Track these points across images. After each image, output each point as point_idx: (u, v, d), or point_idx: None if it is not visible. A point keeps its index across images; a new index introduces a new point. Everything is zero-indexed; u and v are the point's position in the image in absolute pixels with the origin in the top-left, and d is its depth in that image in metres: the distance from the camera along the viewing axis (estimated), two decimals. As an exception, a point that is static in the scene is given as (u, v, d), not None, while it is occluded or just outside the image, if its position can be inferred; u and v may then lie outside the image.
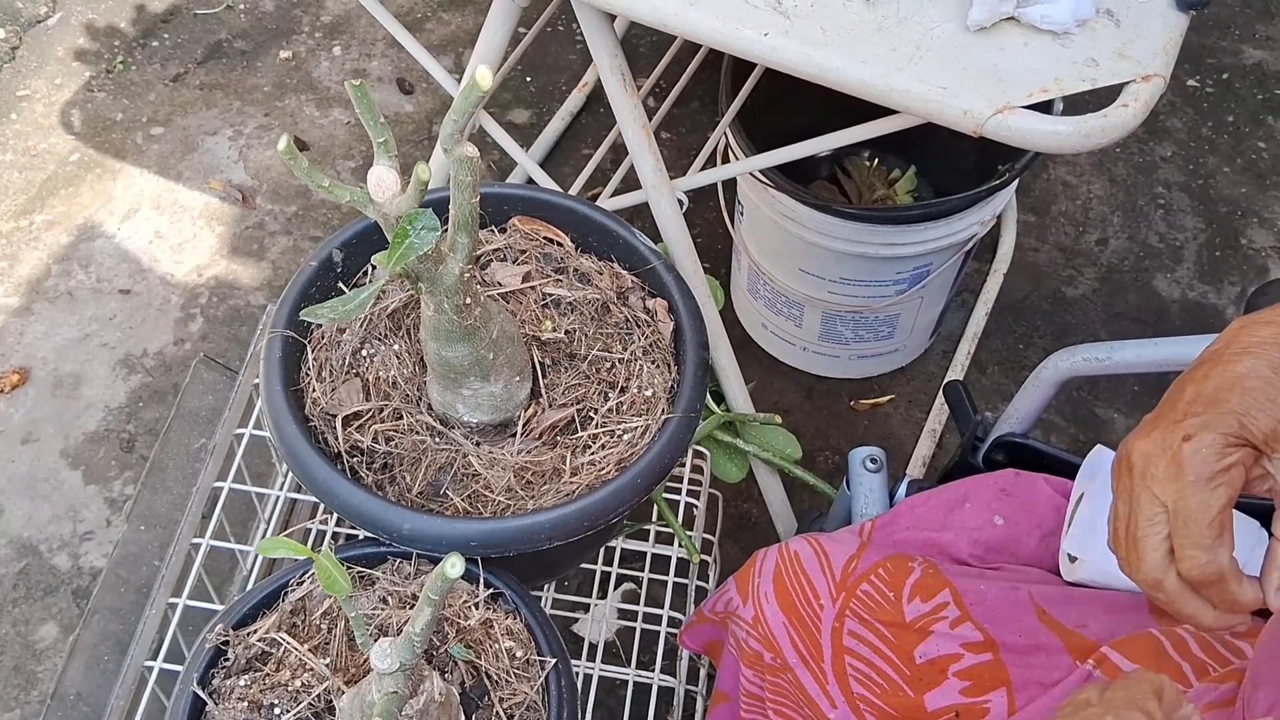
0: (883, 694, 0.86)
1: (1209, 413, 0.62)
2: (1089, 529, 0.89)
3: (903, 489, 1.02)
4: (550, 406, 1.00)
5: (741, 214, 1.63)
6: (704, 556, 1.32)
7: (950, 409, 1.05)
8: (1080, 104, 0.95)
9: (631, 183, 1.18)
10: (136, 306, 1.79)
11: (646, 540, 1.40)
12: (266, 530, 1.26)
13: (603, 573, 1.33)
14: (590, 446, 0.97)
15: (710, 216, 1.89)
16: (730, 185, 1.72)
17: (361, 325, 1.00)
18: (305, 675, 0.84)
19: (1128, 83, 0.87)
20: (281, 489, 1.24)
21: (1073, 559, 0.90)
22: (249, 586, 1.21)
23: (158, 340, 1.76)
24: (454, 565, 0.69)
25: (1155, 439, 0.63)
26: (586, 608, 1.42)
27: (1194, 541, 0.61)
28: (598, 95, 2.03)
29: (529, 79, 2.09)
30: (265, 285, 1.82)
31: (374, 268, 1.05)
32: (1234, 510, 0.64)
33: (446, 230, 0.84)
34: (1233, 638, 0.84)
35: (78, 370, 1.73)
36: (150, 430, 1.67)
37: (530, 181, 1.22)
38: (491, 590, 0.90)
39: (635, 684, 1.23)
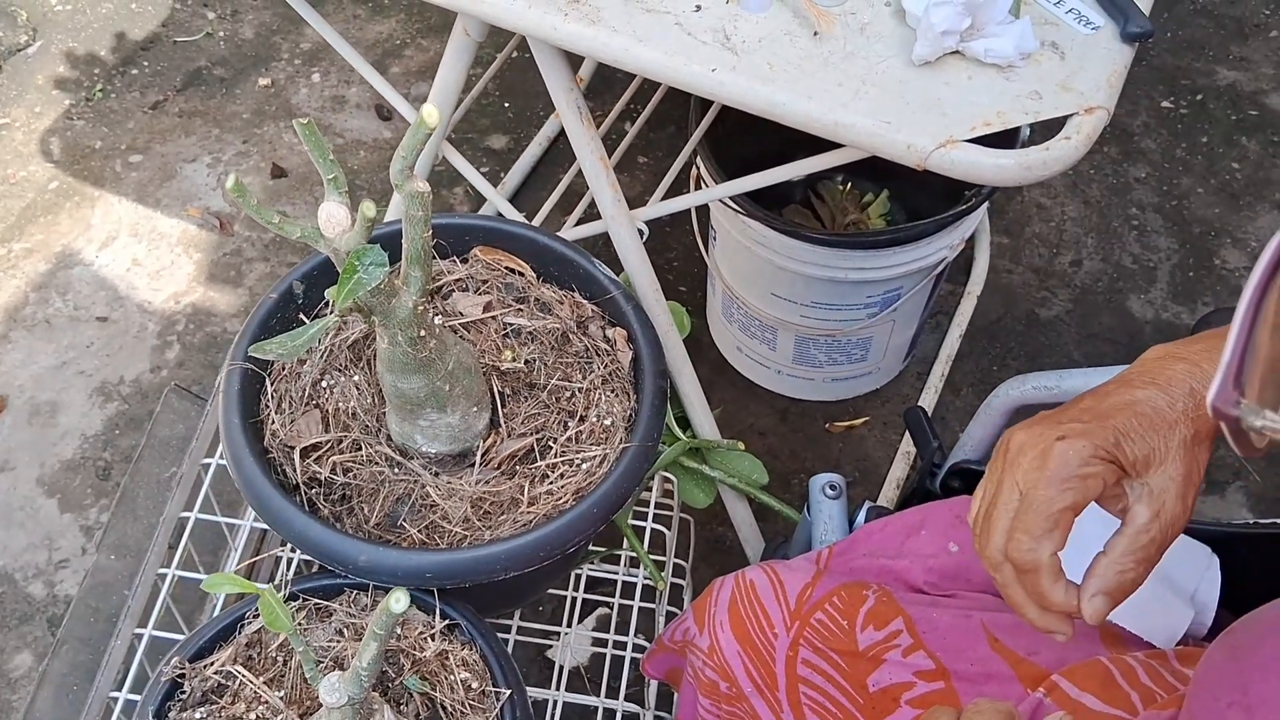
0: (836, 722, 0.86)
1: (1092, 424, 0.65)
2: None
3: (862, 515, 1.03)
4: (509, 436, 1.01)
5: (714, 239, 1.64)
6: (676, 580, 1.32)
7: (910, 434, 1.06)
8: (1055, 128, 0.95)
9: (598, 211, 1.19)
10: (114, 334, 1.80)
11: (618, 565, 1.41)
12: (237, 559, 1.26)
13: (573, 599, 1.33)
14: (549, 476, 0.98)
15: (686, 241, 1.90)
16: (704, 209, 1.73)
17: (321, 356, 1.01)
18: (260, 708, 0.84)
19: (1070, 115, 0.88)
20: (250, 519, 1.24)
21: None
22: (215, 614, 1.21)
23: (134, 368, 1.76)
24: (398, 601, 0.69)
25: (1034, 432, 0.66)
26: (560, 634, 1.42)
27: (1025, 527, 0.64)
28: (575, 120, 2.04)
29: (507, 104, 2.10)
30: (242, 312, 1.83)
31: (330, 302, 1.06)
32: (1183, 535, 0.66)
33: (399, 265, 0.85)
34: (1181, 665, 0.84)
35: (54, 398, 1.74)
36: (126, 458, 1.68)
37: (499, 215, 1.23)
38: (448, 621, 0.91)
39: (604, 710, 1.23)
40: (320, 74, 2.12)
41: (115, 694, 1.08)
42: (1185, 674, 0.83)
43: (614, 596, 1.32)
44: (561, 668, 1.29)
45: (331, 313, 0.85)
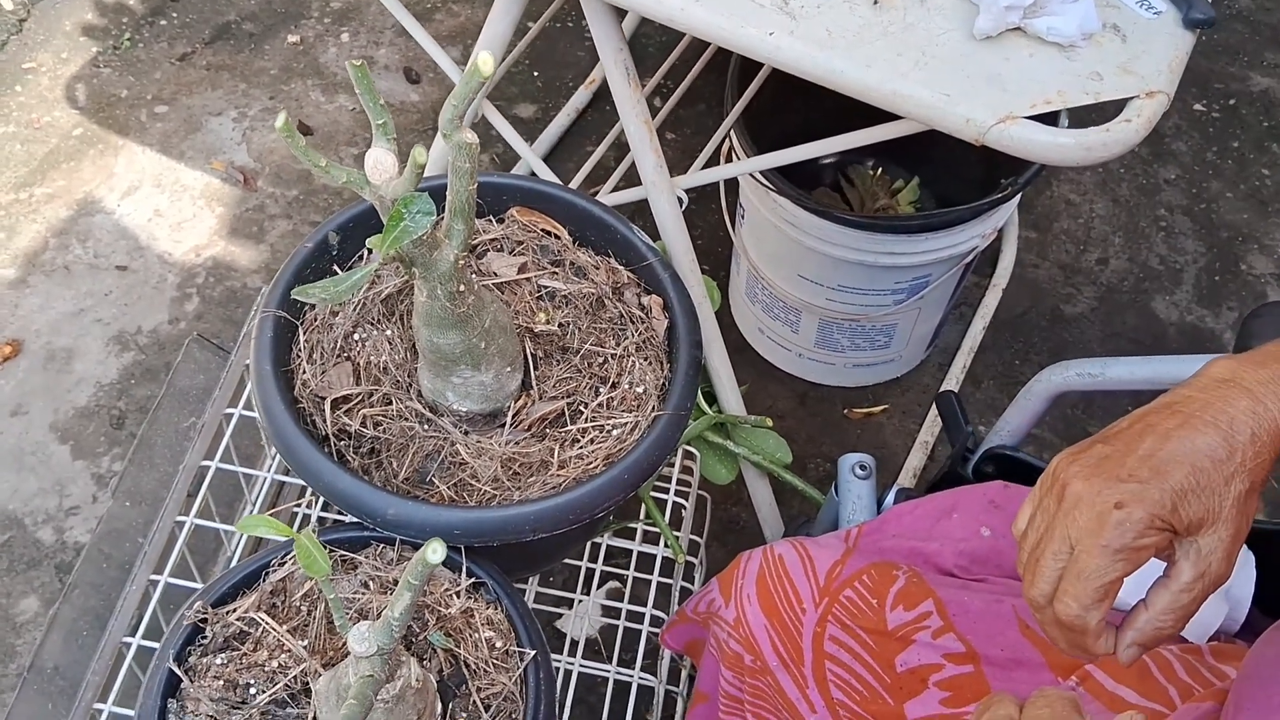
0: (862, 701, 0.85)
1: (1150, 483, 0.64)
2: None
3: (891, 497, 1.02)
4: (540, 398, 0.99)
5: (743, 217, 1.63)
6: (689, 558, 1.32)
7: (942, 419, 1.05)
8: (1085, 119, 0.95)
9: (633, 179, 1.17)
10: (133, 284, 1.79)
11: (633, 539, 1.40)
12: (253, 511, 1.25)
13: (588, 569, 1.32)
14: (579, 440, 0.97)
15: (712, 219, 1.89)
16: (732, 188, 1.71)
17: (355, 309, 1.00)
18: (282, 656, 0.83)
19: (1131, 98, 0.86)
20: (269, 471, 1.23)
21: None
22: (232, 565, 1.21)
23: (152, 318, 1.75)
24: (435, 551, 0.68)
25: (1093, 487, 0.65)
26: (570, 603, 1.42)
27: (1076, 594, 0.64)
28: (604, 93, 2.03)
29: (536, 74, 2.08)
30: (263, 268, 1.82)
31: (369, 252, 1.05)
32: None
33: (443, 217, 0.83)
34: (1217, 661, 0.84)
35: (71, 345, 1.73)
36: (141, 408, 1.67)
37: (533, 175, 1.22)
38: (474, 580, 0.90)
39: (616, 682, 1.22)
40: (350, 34, 2.11)
41: (128, 639, 1.07)
42: (1221, 670, 0.82)
43: (627, 569, 1.31)
44: (571, 638, 1.28)
45: (371, 261, 0.83)
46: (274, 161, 1.94)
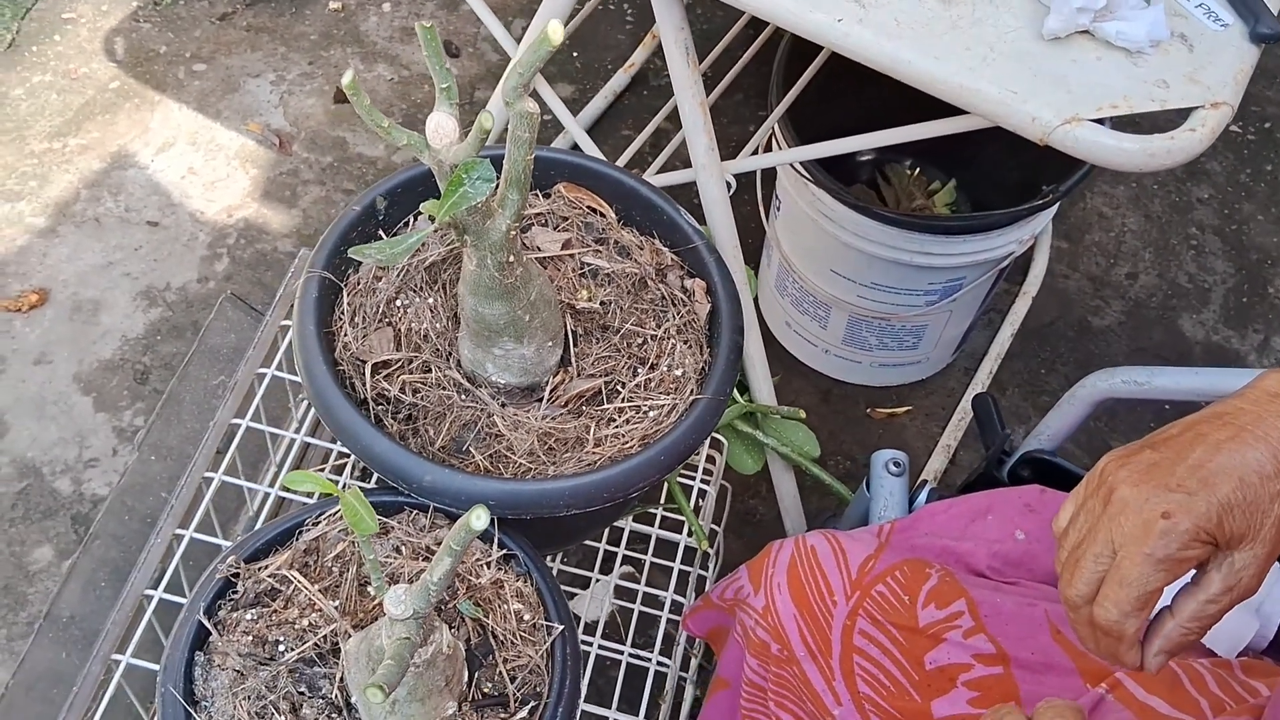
0: (889, 696, 0.85)
1: (1199, 495, 0.64)
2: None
3: (923, 495, 1.01)
4: (579, 375, 0.99)
5: (778, 209, 1.63)
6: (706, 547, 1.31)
7: (977, 421, 1.04)
8: (1126, 128, 0.94)
9: (675, 163, 1.17)
10: (163, 240, 1.79)
11: (651, 524, 1.39)
12: (278, 472, 1.25)
13: (605, 551, 1.32)
14: (615, 420, 0.97)
15: (744, 210, 1.88)
16: (768, 179, 1.71)
17: (398, 275, 1.00)
18: (313, 615, 0.83)
19: (1195, 108, 0.86)
20: (297, 433, 1.23)
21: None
22: (257, 526, 1.21)
23: (181, 275, 1.75)
24: (479, 518, 0.68)
25: (1141, 493, 0.65)
26: (584, 584, 1.41)
27: (1116, 601, 0.64)
28: (642, 77, 2.02)
29: (575, 54, 2.08)
30: (294, 233, 1.81)
31: (415, 219, 1.04)
32: None
33: (497, 186, 0.83)
34: (1247, 677, 0.83)
35: (98, 297, 1.73)
36: (165, 364, 1.66)
37: (575, 149, 1.21)
38: (505, 551, 0.90)
39: (629, 664, 1.22)
40: (391, 4, 2.10)
41: (150, 592, 1.07)
42: (1252, 685, 0.81)
43: (643, 554, 1.31)
44: (585, 620, 1.28)
45: (428, 227, 0.83)
46: (309, 127, 1.93)
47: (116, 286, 1.74)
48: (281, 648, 0.82)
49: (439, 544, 0.89)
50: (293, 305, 1.23)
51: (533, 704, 0.83)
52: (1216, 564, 0.65)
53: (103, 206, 1.82)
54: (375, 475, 0.95)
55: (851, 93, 1.48)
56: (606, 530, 1.33)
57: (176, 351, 1.67)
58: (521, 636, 0.86)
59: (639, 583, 1.29)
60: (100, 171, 1.85)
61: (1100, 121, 0.86)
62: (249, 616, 0.83)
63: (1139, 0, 0.87)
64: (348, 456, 1.31)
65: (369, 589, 0.86)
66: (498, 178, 0.79)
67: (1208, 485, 0.64)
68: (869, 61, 0.84)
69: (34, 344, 1.68)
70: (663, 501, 1.35)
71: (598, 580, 1.31)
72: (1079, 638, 0.68)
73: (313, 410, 1.29)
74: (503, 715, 0.83)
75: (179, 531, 1.10)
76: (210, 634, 0.82)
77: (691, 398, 0.97)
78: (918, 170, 1.74)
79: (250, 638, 0.82)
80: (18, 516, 1.55)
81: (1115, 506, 0.66)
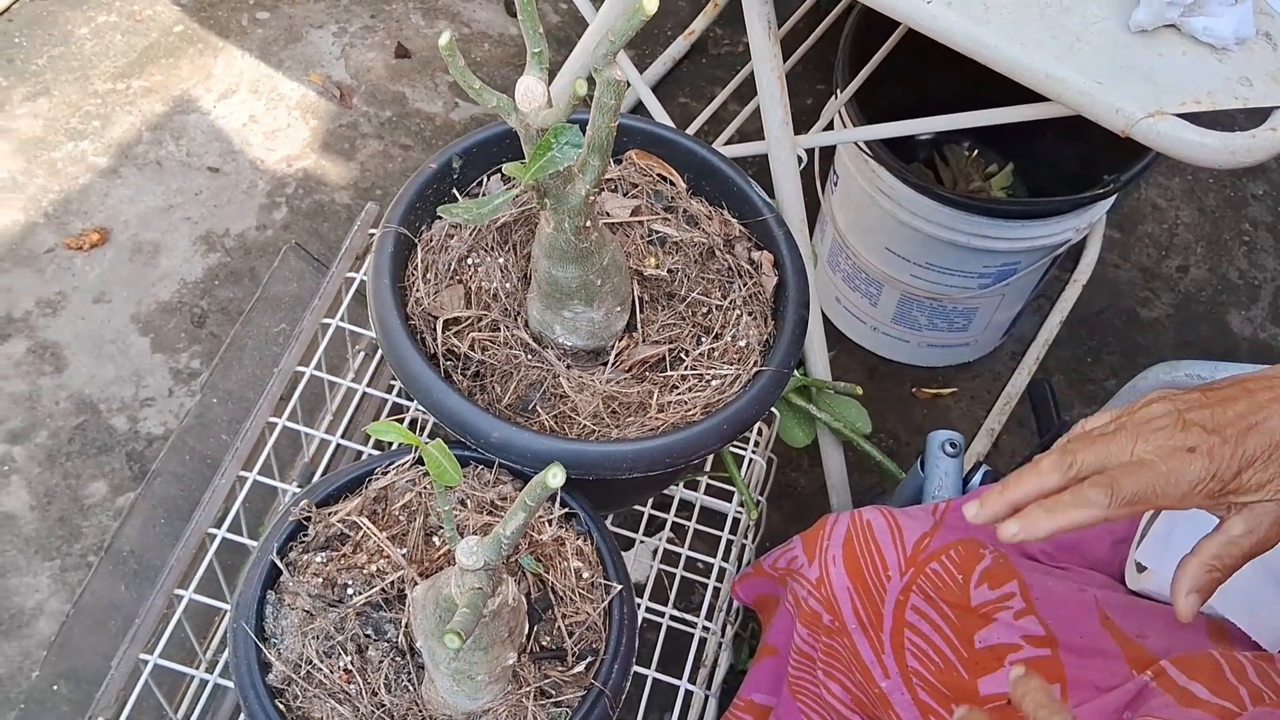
0: (937, 672, 0.87)
1: (1228, 443, 0.66)
2: (1163, 542, 0.89)
3: (978, 477, 1.02)
4: (644, 341, 1.01)
5: (835, 184, 1.63)
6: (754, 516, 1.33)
7: (1033, 407, 1.05)
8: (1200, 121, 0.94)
9: (736, 136, 1.18)
10: (223, 186, 1.81)
11: (696, 490, 1.41)
12: (332, 420, 1.28)
13: (650, 515, 1.34)
14: (678, 387, 0.98)
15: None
16: (826, 154, 1.71)
17: (470, 234, 1.01)
18: (381, 561, 0.85)
19: (1277, 108, 0.86)
20: (355, 382, 1.26)
21: (1141, 569, 0.90)
22: (314, 473, 1.23)
23: (240, 222, 1.77)
24: (555, 476, 0.70)
25: (1177, 423, 0.67)
26: (627, 545, 1.44)
27: (1109, 483, 0.67)
28: (701, 45, 2.02)
29: (636, 20, 2.08)
30: (352, 185, 1.83)
31: (488, 179, 1.06)
32: None
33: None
34: (1292, 670, 0.84)
35: (158, 239, 1.75)
36: (222, 309, 1.69)
37: (639, 107, 1.22)
38: (566, 510, 0.91)
39: (669, 627, 1.24)
40: (454, -40, 2.11)
41: (213, 530, 1.10)
42: (1297, 679, 0.82)
43: (688, 520, 1.32)
44: (637, 583, 1.30)
45: (507, 188, 0.85)
46: (370, 80, 1.95)
47: (176, 230, 1.76)
48: (350, 591, 0.84)
49: (503, 499, 0.91)
50: (357, 258, 1.25)
51: (589, 659, 0.86)
52: (1238, 509, 0.68)
53: (164, 150, 1.84)
54: (429, 426, 0.97)
55: (916, 71, 1.48)
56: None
57: (233, 297, 1.70)
58: (580, 594, 0.88)
59: (681, 547, 1.31)
60: (163, 115, 1.88)
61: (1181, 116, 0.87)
62: (319, 559, 0.85)
63: (1228, -4, 0.87)
64: (403, 410, 1.33)
65: (435, 539, 0.89)
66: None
67: (1239, 437, 0.67)
68: (955, 45, 0.85)
69: (93, 282, 1.71)
70: (709, 469, 1.37)
71: (641, 542, 1.33)
72: (1022, 480, 0.71)
73: (369, 362, 1.32)
74: (560, 668, 0.85)
75: (242, 473, 1.12)
76: (282, 574, 0.85)
77: (755, 369, 0.98)
78: (975, 152, 1.74)
79: (320, 580, 0.84)
80: (74, 451, 1.59)
81: (1149, 415, 0.69)
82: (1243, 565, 0.70)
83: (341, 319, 1.22)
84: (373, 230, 1.22)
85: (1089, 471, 0.69)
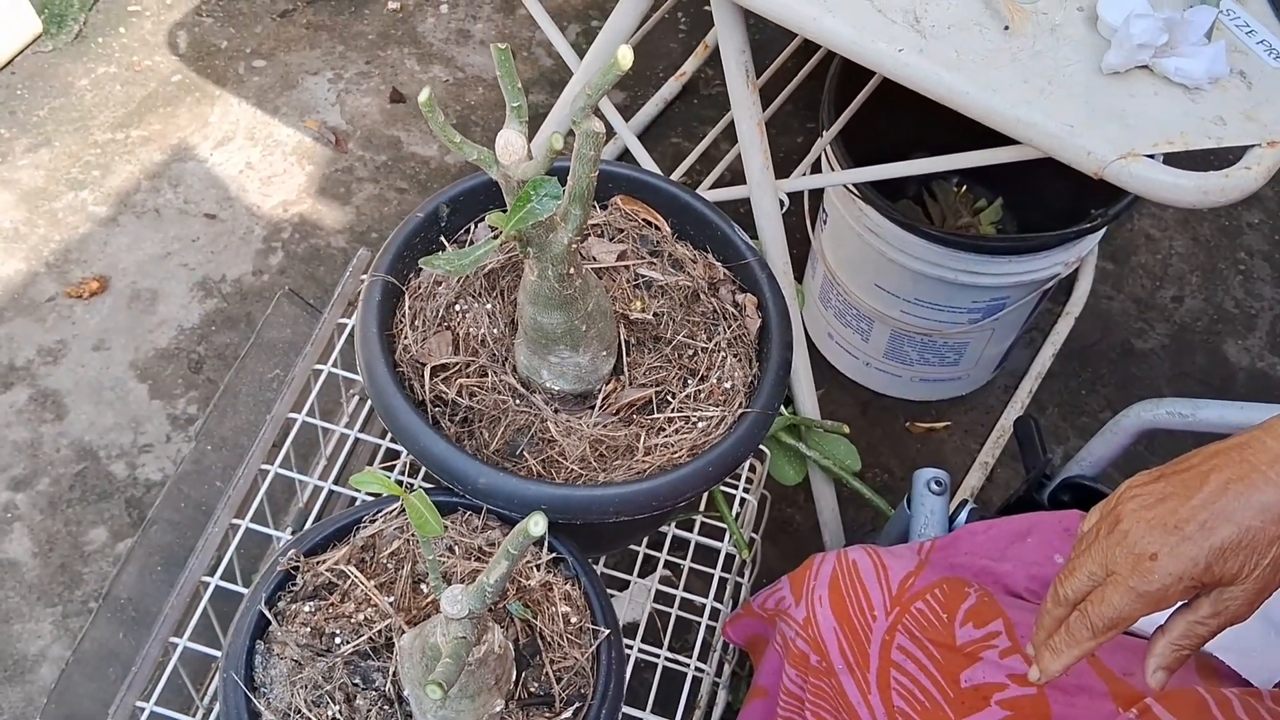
0: (923, 711, 0.87)
1: (1193, 540, 0.66)
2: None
3: (964, 515, 1.03)
4: (630, 385, 1.01)
5: (824, 222, 1.64)
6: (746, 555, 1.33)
7: (1019, 443, 1.06)
8: (1177, 162, 0.95)
9: (726, 175, 1.19)
10: (220, 232, 1.83)
11: (690, 529, 1.41)
12: (328, 466, 1.29)
13: (644, 555, 1.34)
14: (665, 429, 0.99)
15: (790, 221, 1.88)
16: (816, 192, 1.72)
17: (458, 280, 1.02)
18: (369, 610, 0.86)
19: (1251, 146, 0.87)
20: (348, 428, 1.26)
21: (1128, 607, 0.91)
22: (307, 519, 1.24)
23: (237, 268, 1.79)
24: (536, 524, 0.71)
25: (1140, 529, 0.68)
26: (622, 586, 1.44)
27: (1092, 615, 0.70)
28: (693, 86, 2.04)
29: (628, 61, 2.10)
30: (348, 229, 1.85)
31: (476, 225, 1.07)
32: None
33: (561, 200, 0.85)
34: (1275, 704, 0.84)
35: (156, 286, 1.77)
36: (219, 354, 1.70)
37: (625, 154, 1.24)
38: (554, 555, 0.92)
39: (664, 668, 1.24)
40: (449, 6, 2.13)
41: (207, 578, 1.10)
42: (1279, 712, 0.83)
43: (682, 560, 1.33)
44: (630, 624, 1.30)
45: (491, 238, 0.86)
46: (365, 125, 1.97)
47: (174, 277, 1.78)
48: (338, 640, 0.85)
49: (491, 545, 0.91)
50: (349, 304, 1.27)
51: (577, 705, 0.86)
52: (1206, 592, 0.68)
53: (163, 198, 1.86)
54: (422, 471, 0.98)
55: (902, 110, 1.49)
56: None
57: (230, 342, 1.71)
58: (568, 639, 0.88)
59: (676, 587, 1.31)
60: (161, 163, 1.90)
61: (1153, 156, 0.88)
62: (307, 609, 0.86)
63: (1200, 37, 0.88)
64: (396, 454, 1.34)
65: (423, 586, 0.89)
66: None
67: (1205, 529, 0.66)
68: (926, 92, 0.86)
69: (93, 330, 1.73)
70: (703, 508, 1.37)
71: (636, 582, 1.33)
72: (1040, 622, 0.73)
73: (362, 407, 1.33)
74: (548, 715, 0.85)
75: (235, 521, 1.13)
76: (270, 624, 0.85)
77: (740, 410, 0.99)
78: (964, 188, 1.76)
79: (308, 629, 0.85)
80: (75, 498, 1.60)
81: (1116, 536, 0.69)
82: (1214, 639, 0.70)
83: (334, 364, 1.23)
84: (364, 276, 1.23)
85: (1079, 597, 0.71)
